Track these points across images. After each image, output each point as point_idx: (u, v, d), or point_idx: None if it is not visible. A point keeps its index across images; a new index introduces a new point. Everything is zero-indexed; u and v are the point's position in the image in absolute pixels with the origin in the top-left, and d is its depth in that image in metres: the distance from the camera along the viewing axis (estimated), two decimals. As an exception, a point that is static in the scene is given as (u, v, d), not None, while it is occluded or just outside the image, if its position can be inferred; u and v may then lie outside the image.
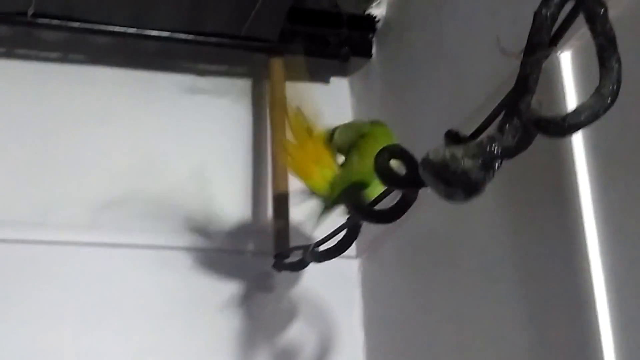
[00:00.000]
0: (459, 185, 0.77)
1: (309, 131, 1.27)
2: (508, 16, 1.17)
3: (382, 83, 1.62)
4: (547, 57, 0.74)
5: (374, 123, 1.27)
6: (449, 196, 0.79)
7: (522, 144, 0.84)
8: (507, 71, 1.11)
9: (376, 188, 1.19)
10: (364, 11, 1.67)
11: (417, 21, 1.50)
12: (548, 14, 0.72)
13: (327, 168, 1.24)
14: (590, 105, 0.76)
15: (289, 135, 1.29)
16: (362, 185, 1.19)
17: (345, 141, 1.27)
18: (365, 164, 1.19)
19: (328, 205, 1.22)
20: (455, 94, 1.33)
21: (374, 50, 1.67)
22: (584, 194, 1.00)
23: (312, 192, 1.25)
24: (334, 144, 1.27)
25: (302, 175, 1.25)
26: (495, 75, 1.16)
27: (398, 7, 1.60)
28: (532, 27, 0.73)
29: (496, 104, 1.11)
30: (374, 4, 1.66)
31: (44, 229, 1.47)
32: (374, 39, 1.67)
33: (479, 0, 1.27)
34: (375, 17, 1.66)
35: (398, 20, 1.60)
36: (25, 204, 1.49)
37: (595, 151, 0.99)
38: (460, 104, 1.30)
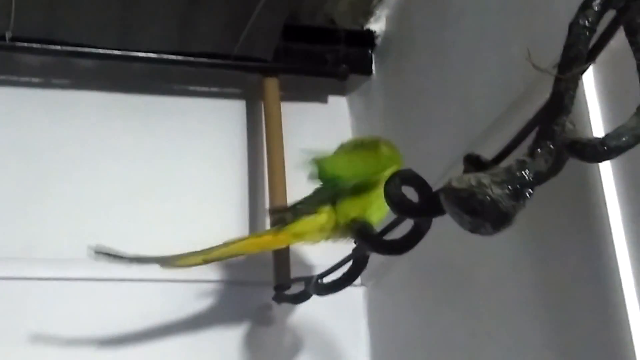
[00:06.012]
0: (487, 216, 0.69)
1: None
2: (520, 28, 1.11)
3: (384, 102, 1.56)
4: (584, 72, 0.66)
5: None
6: (475, 228, 0.71)
7: (553, 169, 0.77)
8: (520, 88, 1.07)
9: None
10: (363, 26, 1.62)
11: (420, 35, 1.44)
12: (586, 24, 0.64)
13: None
14: (632, 126, 0.69)
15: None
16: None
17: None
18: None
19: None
20: (463, 113, 1.26)
21: (373, 67, 1.62)
22: (613, 217, 0.92)
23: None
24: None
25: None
26: (507, 93, 1.11)
27: (399, 21, 1.55)
28: (567, 40, 0.65)
29: (508, 123, 1.06)
30: (373, 18, 1.61)
31: (28, 264, 1.41)
32: (373, 55, 1.62)
33: (488, 11, 1.21)
34: (374, 33, 1.61)
35: (399, 35, 1.55)
36: (7, 239, 1.43)
37: (625, 169, 0.92)
38: (468, 123, 1.24)
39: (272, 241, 1.22)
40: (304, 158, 1.17)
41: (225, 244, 1.22)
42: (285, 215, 1.24)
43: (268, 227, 1.49)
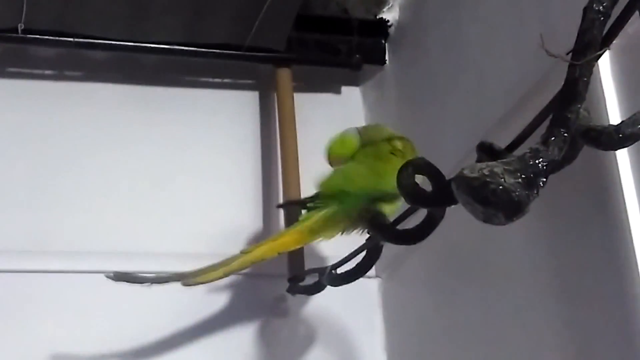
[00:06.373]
0: (499, 205, 0.68)
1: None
2: (535, 15, 1.10)
3: (397, 92, 1.54)
4: (598, 58, 0.65)
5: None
6: (488, 218, 0.70)
7: (567, 158, 0.76)
8: (535, 76, 1.05)
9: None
10: (376, 16, 1.61)
11: (434, 24, 1.42)
12: (600, 9, 0.63)
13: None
14: (647, 113, 0.67)
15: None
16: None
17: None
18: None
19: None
20: (478, 103, 1.25)
21: (387, 57, 1.60)
22: (630, 201, 0.90)
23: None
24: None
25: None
26: (522, 81, 1.10)
27: (412, 10, 1.53)
28: (582, 25, 0.64)
29: (523, 112, 1.04)
30: (386, 7, 1.59)
31: (40, 257, 1.40)
32: (387, 45, 1.60)
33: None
34: (387, 22, 1.60)
35: (412, 24, 1.53)
36: (20, 231, 1.41)
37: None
38: (483, 113, 1.22)
39: (290, 242, 1.21)
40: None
41: (243, 253, 1.20)
42: (298, 213, 1.23)
43: (281, 218, 1.50)
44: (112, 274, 1.15)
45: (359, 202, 1.14)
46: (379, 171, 1.17)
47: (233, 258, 1.19)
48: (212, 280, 1.20)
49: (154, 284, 1.17)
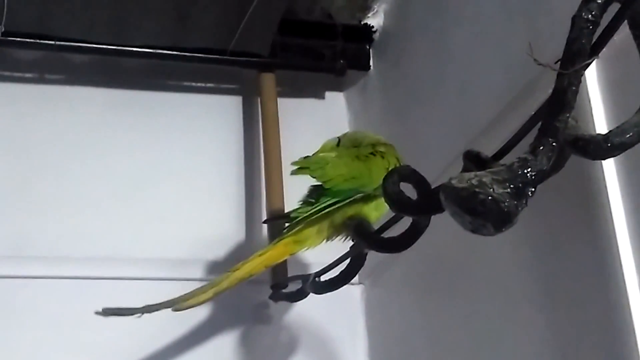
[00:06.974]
0: (488, 216, 0.67)
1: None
2: (521, 23, 1.09)
3: (381, 98, 1.54)
4: (587, 67, 0.64)
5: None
6: (476, 229, 0.69)
7: (555, 167, 0.75)
8: (521, 84, 1.05)
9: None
10: (360, 21, 1.60)
11: (419, 30, 1.41)
12: (590, 17, 0.62)
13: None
14: (636, 122, 0.67)
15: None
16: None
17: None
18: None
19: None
20: (462, 109, 1.24)
21: (371, 63, 1.59)
22: (616, 211, 0.90)
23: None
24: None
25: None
26: (507, 89, 1.09)
27: (397, 16, 1.52)
28: (570, 33, 0.63)
29: (509, 120, 1.04)
30: (371, 13, 1.59)
31: (19, 262, 1.39)
32: (371, 50, 1.60)
33: (488, 5, 1.19)
34: (372, 27, 1.59)
35: (397, 30, 1.52)
36: (-1, 236, 1.40)
37: (628, 164, 0.89)
38: (468, 119, 1.22)
39: (277, 255, 1.20)
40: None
41: (232, 271, 1.19)
42: (283, 226, 1.22)
43: (264, 225, 1.50)
44: (101, 311, 1.14)
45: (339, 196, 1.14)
46: (356, 169, 1.16)
47: (222, 278, 1.19)
48: (203, 302, 1.20)
49: (144, 313, 1.16)
